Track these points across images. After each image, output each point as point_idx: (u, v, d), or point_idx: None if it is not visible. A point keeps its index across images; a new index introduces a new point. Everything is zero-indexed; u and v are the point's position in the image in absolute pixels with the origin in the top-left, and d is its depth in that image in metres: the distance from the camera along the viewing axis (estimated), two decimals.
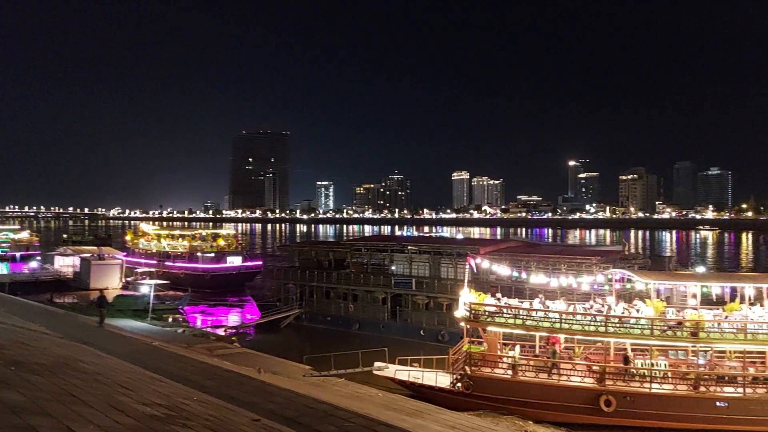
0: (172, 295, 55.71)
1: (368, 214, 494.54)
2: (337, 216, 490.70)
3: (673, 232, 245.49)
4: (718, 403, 24.33)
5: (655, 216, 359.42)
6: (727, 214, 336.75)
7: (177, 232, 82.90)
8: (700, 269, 43.45)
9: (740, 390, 24.69)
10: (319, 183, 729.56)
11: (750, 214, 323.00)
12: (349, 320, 45.06)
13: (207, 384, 18.96)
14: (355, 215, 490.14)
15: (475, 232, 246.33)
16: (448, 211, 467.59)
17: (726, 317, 26.73)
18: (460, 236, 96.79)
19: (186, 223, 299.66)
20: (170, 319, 45.56)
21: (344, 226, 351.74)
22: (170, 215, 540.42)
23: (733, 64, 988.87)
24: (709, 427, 24.16)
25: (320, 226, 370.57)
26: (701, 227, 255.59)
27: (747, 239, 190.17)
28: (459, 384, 26.88)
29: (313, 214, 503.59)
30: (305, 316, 47.42)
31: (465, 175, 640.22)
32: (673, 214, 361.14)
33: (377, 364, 29.87)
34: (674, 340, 25.87)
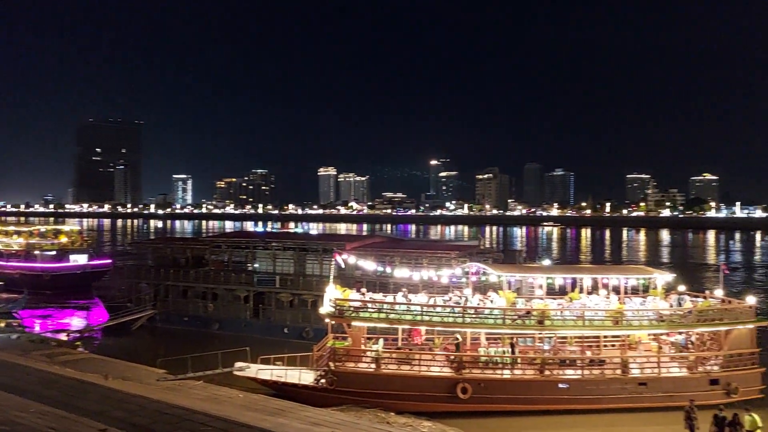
0: (5, 297, 50.13)
1: (230, 210, 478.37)
2: (195, 211, 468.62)
3: (524, 227, 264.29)
4: (560, 385, 26.39)
5: (508, 213, 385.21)
6: (570, 211, 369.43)
7: (11, 228, 75.16)
8: (546, 262, 47.01)
9: (579, 372, 26.99)
10: (176, 176, 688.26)
11: (589, 211, 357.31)
12: (208, 320, 43.26)
13: (46, 394, 17.16)
14: (216, 210, 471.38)
15: (342, 228, 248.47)
16: (315, 207, 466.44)
17: (567, 306, 29.18)
18: (314, 232, 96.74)
19: (22, 219, 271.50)
20: (2, 324, 40.88)
21: (203, 222, 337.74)
22: (3, 209, 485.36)
23: (574, 75, 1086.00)
24: (552, 408, 26.11)
25: (177, 221, 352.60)
26: (547, 223, 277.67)
27: (586, 234, 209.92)
28: (323, 380, 26.77)
29: (169, 209, 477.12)
30: (160, 317, 44.81)
31: (332, 171, 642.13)
32: (524, 211, 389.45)
33: (238, 364, 28.91)
34: (523, 328, 27.75)
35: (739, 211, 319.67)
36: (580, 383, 26.47)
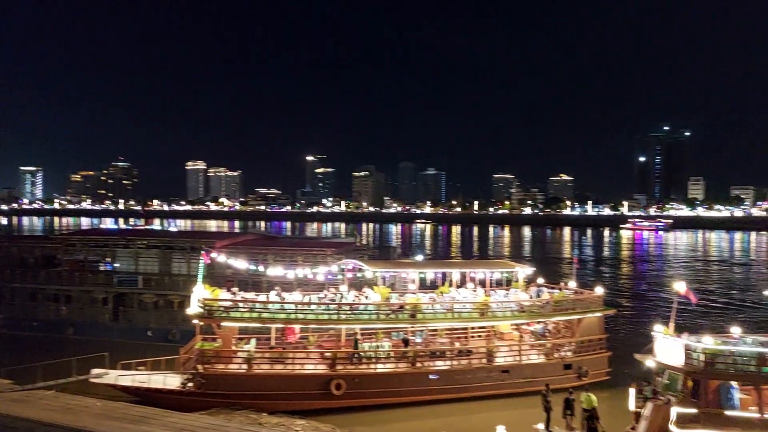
0: None
1: (86, 205, 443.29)
2: (46, 207, 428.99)
3: (399, 225, 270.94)
4: (431, 376, 27.25)
5: (384, 210, 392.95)
6: (441, 209, 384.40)
7: None
8: (419, 258, 48.42)
9: (448, 363, 28.03)
10: (23, 168, 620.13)
11: (459, 209, 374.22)
12: (61, 324, 39.72)
13: None
14: (70, 206, 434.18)
15: (212, 226, 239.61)
16: (182, 203, 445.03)
17: (438, 299, 30.18)
18: (173, 229, 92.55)
19: None
20: None
21: (56, 219, 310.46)
22: None
23: (442, 79, 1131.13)
24: (423, 398, 26.89)
25: (24, 218, 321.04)
26: (420, 221, 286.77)
27: (456, 231, 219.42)
28: (190, 384, 25.55)
29: (15, 205, 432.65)
30: (4, 322, 40.47)
31: (201, 166, 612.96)
32: (399, 208, 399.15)
33: (95, 371, 26.74)
34: (397, 323, 28.35)
35: (590, 210, 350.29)
36: (449, 373, 27.47)
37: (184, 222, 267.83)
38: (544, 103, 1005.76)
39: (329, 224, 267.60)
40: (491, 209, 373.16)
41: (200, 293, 27.45)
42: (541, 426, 21.56)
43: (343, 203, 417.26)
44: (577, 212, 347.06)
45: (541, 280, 33.74)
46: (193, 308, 27.14)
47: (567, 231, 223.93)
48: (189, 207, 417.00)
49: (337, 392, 25.91)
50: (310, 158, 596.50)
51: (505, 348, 29.49)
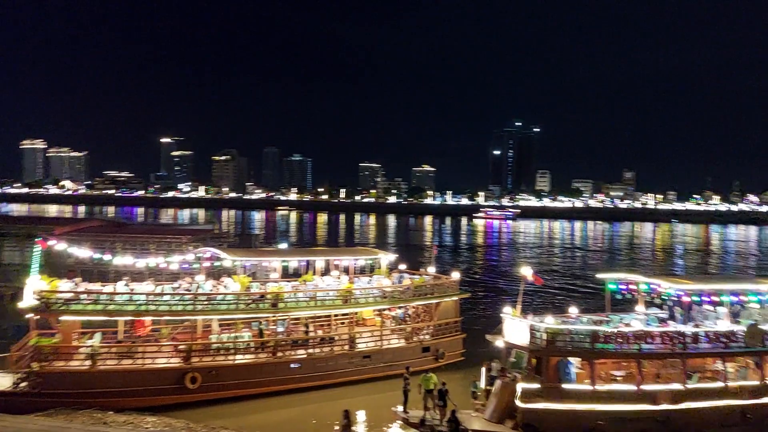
0: None
1: None
2: None
3: (262, 211, 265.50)
4: (292, 365, 26.94)
5: (246, 196, 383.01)
6: (307, 196, 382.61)
7: None
8: (283, 245, 47.72)
9: (310, 351, 27.88)
10: None
11: (326, 196, 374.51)
12: None
13: None
14: None
15: (53, 210, 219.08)
16: (18, 185, 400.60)
17: (301, 288, 29.88)
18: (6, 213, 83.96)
19: None
20: None
21: None
22: None
23: (313, 66, 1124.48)
24: (284, 388, 26.53)
25: None
26: (282, 208, 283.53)
27: (323, 219, 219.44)
28: (24, 383, 23.08)
29: None
30: None
31: (40, 145, 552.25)
32: (262, 195, 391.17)
33: None
34: (258, 312, 27.62)
35: (450, 199, 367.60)
36: (310, 361, 27.34)
37: (20, 206, 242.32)
38: (408, 95, 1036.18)
39: (187, 210, 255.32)
40: (358, 197, 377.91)
41: (36, 284, 24.82)
42: (399, 408, 22.09)
43: (201, 188, 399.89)
44: (438, 202, 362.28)
45: (403, 267, 34.62)
46: (28, 301, 24.49)
47: (428, 219, 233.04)
48: (25, 190, 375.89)
49: (192, 386, 24.73)
50: (165, 140, 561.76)
51: (367, 334, 29.91)
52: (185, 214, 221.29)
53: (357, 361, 28.20)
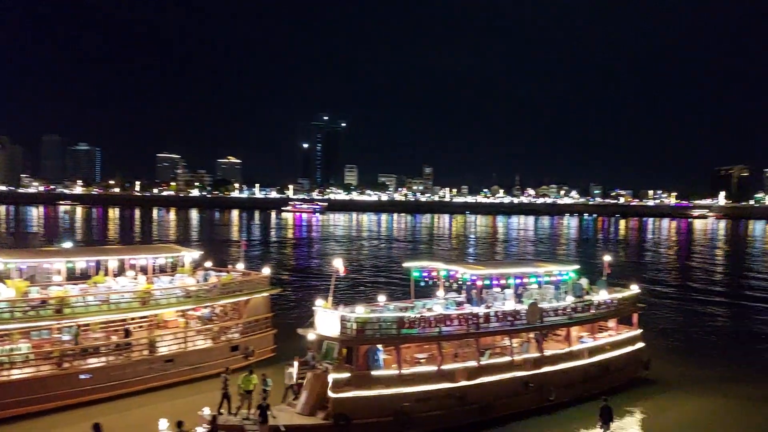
0: None
1: None
2: None
3: (41, 207, 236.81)
4: (82, 376, 24.25)
5: (21, 190, 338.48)
6: (96, 189, 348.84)
7: None
8: (67, 244, 42.74)
9: (104, 359, 25.32)
10: None
11: (117, 189, 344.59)
12: None
13: None
14: None
15: None
16: None
17: (91, 291, 27.01)
18: None
19: None
20: None
21: None
22: None
23: (93, 47, 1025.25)
24: (74, 401, 23.77)
25: None
26: (65, 202, 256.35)
27: (114, 214, 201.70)
28: None
29: None
30: None
31: None
32: (41, 188, 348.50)
33: None
34: (39, 320, 24.38)
35: (258, 192, 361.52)
36: (104, 370, 24.86)
37: None
38: (211, 84, 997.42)
39: None
40: (155, 190, 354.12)
41: None
42: (206, 411, 20.96)
43: None
44: (245, 195, 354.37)
45: (209, 264, 33.12)
46: None
47: (235, 213, 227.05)
48: None
49: None
50: None
51: (169, 336, 28.00)
52: None
53: (158, 366, 26.29)
